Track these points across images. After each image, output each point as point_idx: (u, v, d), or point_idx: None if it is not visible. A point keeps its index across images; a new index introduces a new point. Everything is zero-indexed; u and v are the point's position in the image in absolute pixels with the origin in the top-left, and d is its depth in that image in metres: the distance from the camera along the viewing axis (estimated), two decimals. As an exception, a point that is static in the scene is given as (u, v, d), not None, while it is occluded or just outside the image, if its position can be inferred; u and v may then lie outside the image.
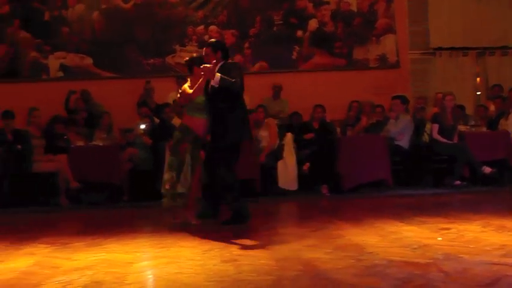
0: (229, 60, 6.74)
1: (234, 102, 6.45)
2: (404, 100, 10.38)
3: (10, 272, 4.55)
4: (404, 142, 10.09)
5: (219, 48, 6.59)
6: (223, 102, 6.41)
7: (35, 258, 5.05)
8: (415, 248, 4.87)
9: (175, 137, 6.77)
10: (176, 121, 10.16)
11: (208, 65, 6.27)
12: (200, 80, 6.46)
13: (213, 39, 7.28)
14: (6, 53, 11.66)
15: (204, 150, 6.79)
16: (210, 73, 6.23)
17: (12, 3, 11.66)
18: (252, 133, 7.10)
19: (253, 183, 9.34)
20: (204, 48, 6.63)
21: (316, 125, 10.14)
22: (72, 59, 11.75)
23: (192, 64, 6.80)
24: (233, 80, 6.25)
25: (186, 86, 6.74)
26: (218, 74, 6.22)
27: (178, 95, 6.90)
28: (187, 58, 7.18)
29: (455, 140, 9.91)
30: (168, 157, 6.98)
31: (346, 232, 5.69)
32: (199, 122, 6.61)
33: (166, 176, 6.75)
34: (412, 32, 12.24)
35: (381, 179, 9.52)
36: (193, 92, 6.55)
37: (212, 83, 6.29)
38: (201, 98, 6.56)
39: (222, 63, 6.48)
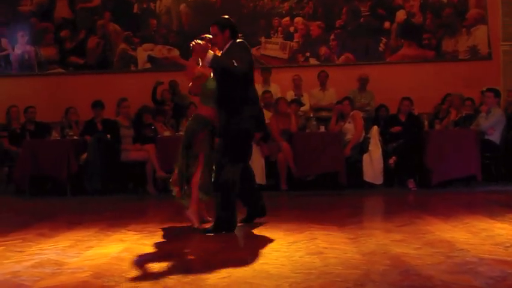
0: (238, 40, 5.89)
1: (238, 88, 5.69)
2: (497, 93, 10.07)
3: (101, 257, 4.69)
4: (495, 137, 9.80)
5: (227, 27, 5.83)
6: (228, 87, 5.75)
7: (125, 245, 5.19)
8: (508, 246, 4.75)
9: (190, 128, 6.13)
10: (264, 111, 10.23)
11: (199, 41, 5.72)
12: (190, 59, 6.03)
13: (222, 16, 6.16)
14: (97, 44, 12.00)
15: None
16: (201, 51, 5.60)
17: (103, -4, 11.98)
18: (265, 125, 6.43)
19: (338, 176, 9.28)
20: (211, 27, 5.91)
21: (403, 118, 9.97)
22: (160, 51, 11.97)
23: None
24: (231, 61, 5.51)
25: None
26: (211, 53, 5.55)
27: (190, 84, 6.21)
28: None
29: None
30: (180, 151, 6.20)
31: (435, 228, 5.59)
32: (214, 111, 6.00)
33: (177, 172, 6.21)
34: (505, 22, 11.86)
35: (470, 174, 9.28)
36: (187, 71, 6.14)
37: (204, 62, 5.64)
38: (213, 85, 5.95)
39: (230, 43, 5.82)
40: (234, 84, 5.67)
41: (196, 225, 5.96)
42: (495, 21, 11.81)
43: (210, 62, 5.51)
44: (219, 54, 5.75)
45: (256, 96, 6.02)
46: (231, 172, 5.72)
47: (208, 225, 5.94)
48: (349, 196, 8.76)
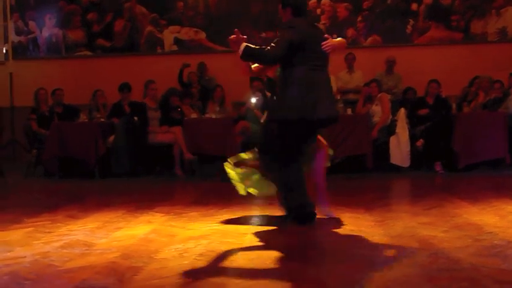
0: (290, 20, 5.37)
1: (287, 69, 5.21)
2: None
3: (130, 238, 4.73)
4: (524, 119, 9.70)
5: (289, 5, 5.40)
6: (281, 69, 5.32)
7: (152, 226, 5.23)
8: (537, 230, 4.70)
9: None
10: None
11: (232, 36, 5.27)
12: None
13: None
14: (124, 27, 12.03)
15: None
16: (234, 44, 5.24)
17: (130, -21, 12.00)
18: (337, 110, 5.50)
19: (364, 158, 9.24)
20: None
21: (430, 101, 9.87)
22: (186, 33, 11.97)
23: None
24: (260, 47, 5.15)
25: None
26: (243, 44, 5.15)
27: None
28: None
29: None
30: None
31: (463, 211, 5.55)
32: None
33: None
34: (535, 3, 11.69)
35: (498, 157, 9.19)
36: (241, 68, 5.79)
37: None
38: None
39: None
40: (285, 65, 5.24)
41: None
42: (525, 2, 11.64)
43: (240, 54, 5.17)
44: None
45: (309, 76, 5.20)
46: (285, 175, 5.29)
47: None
48: (375, 179, 8.72)
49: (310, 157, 5.54)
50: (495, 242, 4.30)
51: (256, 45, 5.20)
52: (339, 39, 5.58)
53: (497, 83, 10.28)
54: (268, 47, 5.10)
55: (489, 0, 11.62)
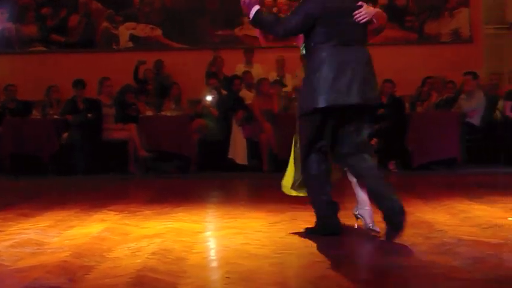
0: None
1: (310, 48, 4.48)
2: (475, 76, 10.15)
3: (83, 236, 4.68)
4: (476, 119, 9.89)
5: None
6: (305, 48, 4.60)
7: (106, 225, 5.17)
8: (485, 228, 4.78)
9: None
10: (244, 93, 10.21)
11: None
12: None
13: None
14: (79, 23, 11.87)
15: None
16: (245, 7, 4.56)
17: (86, -26, 11.85)
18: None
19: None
20: None
21: (385, 100, 9.98)
22: (142, 30, 11.88)
23: None
24: (274, 15, 4.81)
25: None
26: (255, 7, 4.49)
27: None
28: None
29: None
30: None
31: (415, 209, 5.61)
32: None
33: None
34: (486, 5, 11.88)
35: (451, 157, 9.34)
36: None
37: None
38: None
39: None
40: (307, 44, 4.54)
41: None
42: (477, 4, 11.84)
43: (251, 19, 4.53)
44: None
45: (338, 55, 4.36)
46: (303, 168, 4.72)
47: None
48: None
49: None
50: (445, 239, 4.36)
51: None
52: (376, 8, 4.62)
53: (449, 83, 10.46)
54: (284, 16, 4.55)
55: (443, 1, 11.79)
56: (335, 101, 4.26)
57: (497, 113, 10.11)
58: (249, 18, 4.55)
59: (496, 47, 11.90)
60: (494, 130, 9.95)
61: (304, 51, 4.61)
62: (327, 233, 4.48)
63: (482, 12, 11.86)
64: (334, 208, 4.61)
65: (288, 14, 4.60)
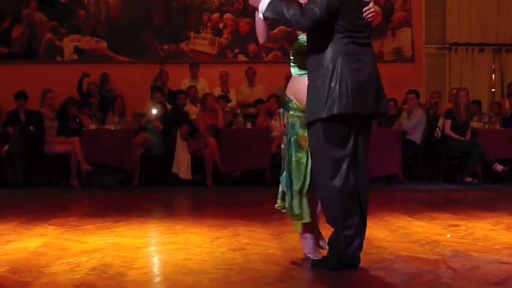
0: None
1: (320, 44, 3.89)
2: (417, 95, 10.36)
3: (20, 251, 4.58)
4: (416, 137, 10.06)
5: None
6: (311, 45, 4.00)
7: (45, 239, 5.07)
8: (423, 244, 4.86)
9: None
10: (189, 108, 10.19)
11: None
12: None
13: None
14: (22, 34, 11.67)
15: None
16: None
17: (29, -16, 11.69)
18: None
19: (264, 172, 9.34)
20: None
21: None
22: (87, 42, 11.75)
23: None
24: (289, 6, 3.82)
25: None
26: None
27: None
28: None
29: (468, 136, 9.83)
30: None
31: (355, 225, 5.67)
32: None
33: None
34: (428, 26, 12.17)
35: (391, 173, 9.48)
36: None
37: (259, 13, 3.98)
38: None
39: None
40: (311, 43, 3.98)
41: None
42: (418, 25, 12.10)
43: (263, 11, 3.92)
44: None
45: (355, 53, 3.87)
46: (316, 176, 4.06)
47: None
48: (274, 192, 8.73)
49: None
50: (384, 256, 4.41)
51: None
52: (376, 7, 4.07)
53: (391, 100, 10.62)
54: (305, 3, 3.88)
55: (385, 21, 12.00)
56: (354, 107, 3.78)
57: (438, 131, 10.32)
58: (259, 10, 3.94)
59: (436, 67, 12.18)
60: (433, 148, 10.14)
61: (308, 49, 3.98)
62: (346, 267, 3.91)
63: (424, 32, 12.14)
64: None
65: (310, 2, 3.82)
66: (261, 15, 3.94)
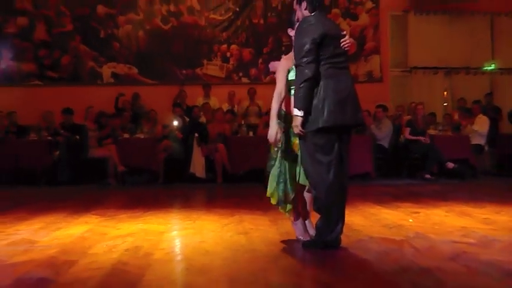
0: (305, 17, 3.95)
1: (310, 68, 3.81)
2: (384, 108, 10.35)
3: (68, 237, 4.57)
4: (385, 142, 10.06)
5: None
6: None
7: (88, 227, 5.06)
8: (391, 227, 4.86)
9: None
10: (203, 120, 10.17)
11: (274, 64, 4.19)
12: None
13: None
14: (69, 62, 11.65)
15: None
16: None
17: (75, 23, 11.64)
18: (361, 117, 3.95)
19: (264, 171, 9.29)
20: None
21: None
22: (121, 68, 11.72)
23: None
24: (297, 86, 3.85)
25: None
26: (298, 119, 3.84)
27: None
28: None
29: (428, 139, 9.79)
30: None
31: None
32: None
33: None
34: (393, 53, 12.14)
35: (365, 172, 9.45)
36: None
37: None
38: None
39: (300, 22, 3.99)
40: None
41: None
42: (385, 52, 12.08)
43: (298, 110, 3.83)
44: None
45: (334, 76, 3.86)
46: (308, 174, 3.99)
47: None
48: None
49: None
50: (360, 237, 4.41)
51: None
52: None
53: (365, 111, 10.59)
54: (301, 66, 3.83)
55: (359, 49, 11.97)
56: (336, 120, 3.80)
57: (402, 137, 10.29)
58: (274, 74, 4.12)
59: (400, 86, 12.16)
60: (398, 151, 10.12)
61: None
62: (330, 247, 3.92)
63: (390, 58, 12.12)
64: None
65: (293, 36, 3.99)
66: (298, 113, 3.83)
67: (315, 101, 3.80)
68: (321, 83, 3.82)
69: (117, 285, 3.11)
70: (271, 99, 4.21)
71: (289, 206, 4.19)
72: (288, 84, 4.12)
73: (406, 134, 9.94)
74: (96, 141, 9.67)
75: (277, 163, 4.17)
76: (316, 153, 3.86)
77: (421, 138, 9.73)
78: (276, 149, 4.16)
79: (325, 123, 3.78)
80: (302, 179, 4.04)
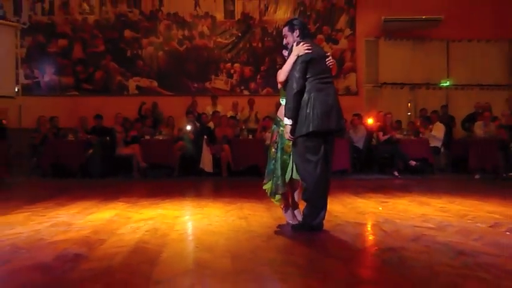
0: (297, 42, 3.96)
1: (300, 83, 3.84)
2: (359, 116, 10.35)
3: (99, 220, 4.56)
4: (360, 144, 10.06)
5: (297, 27, 4.03)
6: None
7: (116, 211, 5.06)
8: (364, 214, 4.86)
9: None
10: (211, 125, 10.16)
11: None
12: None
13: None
14: (101, 77, 11.64)
15: None
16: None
17: (106, 44, 11.64)
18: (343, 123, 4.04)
19: (260, 167, 9.29)
20: (283, 29, 4.13)
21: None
22: (144, 82, 11.70)
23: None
24: (288, 99, 3.84)
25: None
26: (287, 127, 3.87)
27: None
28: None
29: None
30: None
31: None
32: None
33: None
34: (367, 71, 12.13)
35: (344, 168, 9.46)
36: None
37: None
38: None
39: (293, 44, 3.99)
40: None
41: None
42: (361, 70, 12.07)
43: (287, 120, 3.88)
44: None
45: (322, 89, 3.87)
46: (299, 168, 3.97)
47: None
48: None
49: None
50: (338, 222, 4.40)
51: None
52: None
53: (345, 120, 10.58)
54: (293, 82, 3.82)
55: (339, 68, 11.96)
56: (323, 126, 3.82)
57: (374, 140, 10.29)
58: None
59: (372, 98, 12.16)
60: (371, 151, 10.13)
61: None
62: (314, 230, 3.90)
63: (364, 75, 12.12)
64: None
65: (286, 56, 4.00)
66: (288, 121, 3.85)
67: (306, 110, 3.82)
68: (311, 95, 3.84)
69: (139, 260, 3.11)
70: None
71: (277, 197, 4.17)
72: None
73: (380, 136, 9.96)
74: (122, 142, 9.66)
75: (273, 162, 4.16)
76: (306, 153, 3.87)
77: (393, 133, 9.80)
78: (273, 149, 4.16)
79: (315, 128, 3.80)
80: (294, 174, 4.05)
